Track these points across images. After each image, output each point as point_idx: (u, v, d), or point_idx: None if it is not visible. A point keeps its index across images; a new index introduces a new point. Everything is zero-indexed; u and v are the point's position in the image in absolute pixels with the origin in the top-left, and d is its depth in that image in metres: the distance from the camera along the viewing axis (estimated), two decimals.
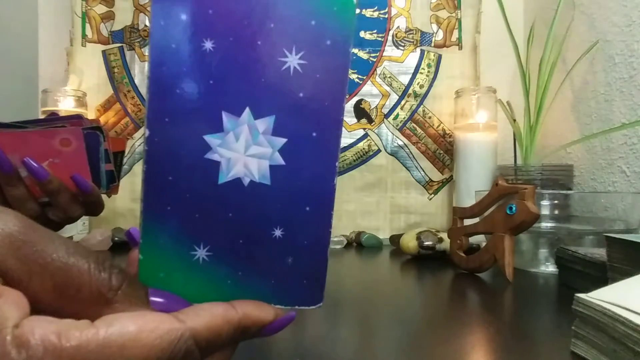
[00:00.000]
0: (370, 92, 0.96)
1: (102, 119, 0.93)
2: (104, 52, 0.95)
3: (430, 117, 0.96)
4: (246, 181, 0.22)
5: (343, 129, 1.00)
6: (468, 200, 0.78)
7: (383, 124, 0.95)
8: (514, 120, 0.84)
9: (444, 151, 0.95)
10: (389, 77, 0.96)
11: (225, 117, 0.21)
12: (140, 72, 0.95)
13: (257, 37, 0.21)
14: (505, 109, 0.85)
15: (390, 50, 0.96)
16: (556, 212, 0.67)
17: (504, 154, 0.91)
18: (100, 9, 0.95)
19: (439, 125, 0.95)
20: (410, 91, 0.96)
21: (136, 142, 0.94)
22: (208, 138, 0.21)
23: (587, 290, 0.32)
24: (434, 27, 0.97)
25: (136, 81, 0.95)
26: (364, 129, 0.95)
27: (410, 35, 0.96)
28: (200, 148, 0.21)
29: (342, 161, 0.95)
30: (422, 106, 0.96)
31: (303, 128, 0.22)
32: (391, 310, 0.48)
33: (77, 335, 0.16)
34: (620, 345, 0.28)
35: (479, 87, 0.91)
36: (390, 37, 0.96)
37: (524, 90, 0.84)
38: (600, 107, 0.80)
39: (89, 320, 0.17)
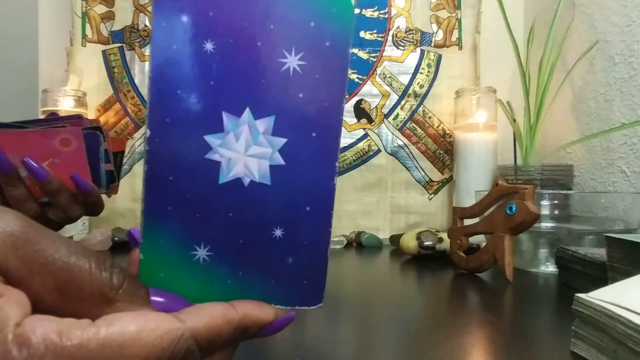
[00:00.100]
0: (370, 92, 0.96)
1: (102, 119, 0.93)
2: (104, 52, 0.95)
3: (430, 117, 0.96)
4: (246, 181, 0.22)
5: (343, 129, 1.00)
6: (468, 200, 0.78)
7: (383, 124, 0.95)
8: (514, 120, 0.84)
9: (444, 151, 0.95)
10: (389, 77, 0.96)
11: (226, 117, 0.21)
12: (140, 72, 0.95)
13: (257, 38, 0.21)
14: (505, 109, 0.85)
15: (390, 50, 0.96)
16: (556, 212, 0.67)
17: (504, 154, 0.91)
18: (100, 9, 0.95)
19: (439, 125, 0.96)
20: (410, 91, 0.96)
21: (136, 142, 0.94)
22: (208, 138, 0.21)
23: (587, 290, 0.32)
24: (434, 27, 0.97)
25: (136, 81, 0.95)
26: (364, 129, 0.95)
27: (410, 35, 0.96)
28: (201, 148, 0.21)
29: (342, 161, 0.95)
30: (422, 106, 0.96)
31: (303, 128, 0.22)
32: (391, 310, 0.48)
33: (78, 334, 0.16)
34: (620, 345, 0.28)
35: (479, 87, 0.91)
36: (390, 37, 0.96)
37: (524, 90, 0.84)
38: (600, 107, 0.80)
39: (89, 319, 0.17)
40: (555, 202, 0.67)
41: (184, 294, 0.22)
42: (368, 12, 0.96)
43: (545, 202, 0.67)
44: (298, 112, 0.22)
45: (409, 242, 0.74)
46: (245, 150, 0.22)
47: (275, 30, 0.21)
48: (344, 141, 0.94)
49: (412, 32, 0.96)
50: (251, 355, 0.33)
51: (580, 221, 0.68)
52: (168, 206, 0.21)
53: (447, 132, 0.95)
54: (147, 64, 0.95)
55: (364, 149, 0.95)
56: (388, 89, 0.96)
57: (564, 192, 0.73)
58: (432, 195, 0.95)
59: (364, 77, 0.96)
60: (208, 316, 0.19)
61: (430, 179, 0.95)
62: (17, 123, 0.51)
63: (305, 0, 0.21)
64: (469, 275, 0.62)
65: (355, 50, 0.95)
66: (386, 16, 0.96)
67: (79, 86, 0.93)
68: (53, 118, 0.60)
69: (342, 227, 0.92)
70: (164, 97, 0.21)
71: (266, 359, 0.33)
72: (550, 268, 0.62)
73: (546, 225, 0.67)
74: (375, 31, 0.96)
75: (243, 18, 0.21)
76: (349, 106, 0.95)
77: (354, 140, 0.95)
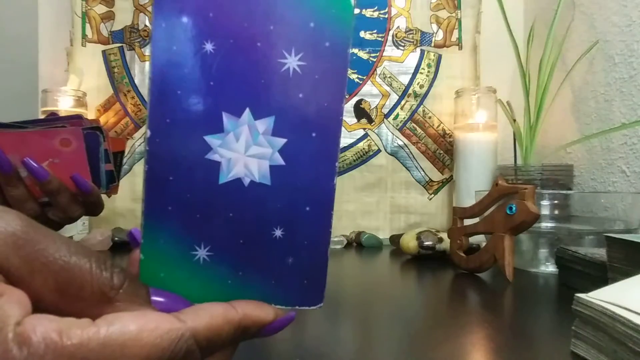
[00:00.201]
0: (370, 92, 0.96)
1: (102, 119, 0.93)
2: (104, 52, 0.95)
3: (430, 117, 0.96)
4: (246, 181, 0.22)
5: (343, 129, 1.00)
6: (468, 200, 0.78)
7: (383, 124, 0.95)
8: (514, 120, 0.84)
9: (444, 151, 0.95)
10: (389, 77, 0.96)
11: (226, 117, 0.21)
12: (140, 72, 0.95)
13: (257, 39, 0.21)
14: (505, 109, 0.85)
15: (390, 50, 0.96)
16: (556, 212, 0.67)
17: (504, 154, 0.91)
18: (100, 9, 0.95)
19: (439, 125, 0.96)
20: (410, 91, 0.96)
21: (136, 142, 0.94)
22: (208, 138, 0.21)
23: (587, 290, 0.32)
24: (434, 27, 0.97)
25: (136, 81, 0.95)
26: (364, 129, 0.95)
27: (410, 35, 0.96)
28: (201, 148, 0.21)
29: (342, 161, 0.95)
30: (422, 106, 0.96)
31: (303, 128, 0.22)
32: (391, 310, 0.48)
33: (78, 334, 0.16)
34: (620, 345, 0.28)
35: (479, 87, 0.91)
36: (390, 37, 0.96)
37: (524, 90, 0.84)
38: (600, 107, 0.80)
39: (90, 319, 0.17)
40: (555, 202, 0.67)
41: (184, 294, 0.22)
42: (368, 12, 0.96)
43: (545, 202, 0.67)
44: (298, 112, 0.22)
45: (409, 242, 0.74)
46: (245, 151, 0.22)
47: (275, 30, 0.21)
48: (344, 141, 0.94)
49: (412, 32, 0.96)
50: (251, 355, 0.33)
51: (580, 221, 0.68)
52: (168, 206, 0.21)
53: (447, 132, 0.95)
54: (147, 64, 0.95)
55: (364, 149, 0.95)
56: (388, 89, 0.96)
57: (564, 192, 0.73)
58: (432, 195, 0.95)
59: (364, 77, 0.96)
60: (208, 316, 0.19)
61: (430, 179, 0.95)
62: (17, 123, 0.51)
63: (305, 1, 0.21)
64: (469, 275, 0.62)
65: (355, 50, 0.95)
66: (386, 16, 0.96)
67: (79, 86, 0.93)
68: (53, 118, 0.60)
69: (342, 227, 0.92)
70: (164, 97, 0.21)
71: (266, 359, 0.33)
72: (550, 268, 0.62)
73: (546, 225, 0.67)
74: (375, 31, 0.96)
75: (243, 19, 0.21)
76: (349, 106, 0.95)
77: (354, 140, 0.95)
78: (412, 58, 0.96)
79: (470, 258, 0.62)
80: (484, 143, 0.88)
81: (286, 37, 0.21)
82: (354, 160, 0.95)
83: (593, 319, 0.30)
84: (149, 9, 0.95)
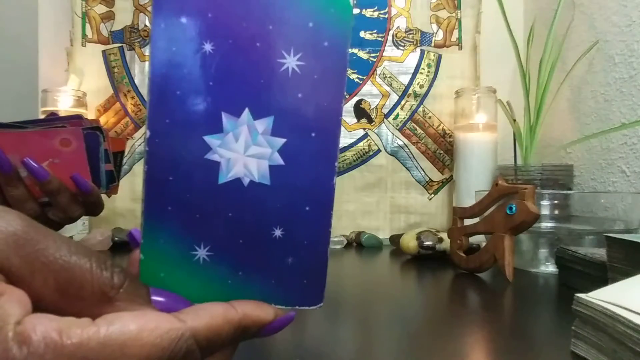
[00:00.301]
0: (370, 92, 0.96)
1: (102, 119, 0.93)
2: (104, 52, 0.95)
3: (430, 117, 0.96)
4: (246, 181, 0.22)
5: (343, 129, 1.00)
6: (468, 200, 0.78)
7: (383, 124, 0.95)
8: (514, 120, 0.84)
9: (444, 151, 0.95)
10: (389, 77, 0.96)
11: (225, 117, 0.21)
12: (140, 72, 0.95)
13: (256, 39, 0.21)
14: (505, 109, 0.85)
15: (390, 50, 0.96)
16: (556, 212, 0.67)
17: (504, 154, 0.91)
18: (100, 9, 0.95)
19: (439, 125, 0.96)
20: (410, 91, 0.96)
21: (136, 142, 0.94)
22: (208, 139, 0.21)
23: (587, 290, 0.32)
24: (434, 27, 0.97)
25: (136, 81, 0.95)
26: (364, 129, 0.95)
27: (410, 35, 0.96)
28: (201, 149, 0.21)
29: (342, 161, 0.95)
30: (422, 106, 0.96)
31: (302, 128, 0.22)
32: (391, 310, 0.48)
33: (78, 333, 0.16)
34: (620, 345, 0.28)
35: (479, 87, 0.91)
36: (390, 37, 0.96)
37: (524, 90, 0.84)
38: (600, 107, 0.80)
39: (90, 318, 0.17)
40: (555, 202, 0.67)
41: (184, 293, 0.22)
42: (368, 12, 0.96)
43: (545, 202, 0.67)
44: (297, 112, 0.22)
45: (409, 242, 0.74)
46: (245, 151, 0.22)
47: (274, 31, 0.21)
48: (344, 141, 0.94)
49: (412, 32, 0.96)
50: (251, 355, 0.33)
51: (580, 221, 0.68)
52: (168, 206, 0.21)
53: (447, 132, 0.95)
54: (147, 64, 0.95)
55: (364, 149, 0.95)
56: (388, 89, 0.96)
57: (564, 192, 0.73)
58: (432, 195, 0.95)
59: (364, 77, 0.96)
60: (208, 316, 0.19)
61: (430, 179, 0.95)
62: (17, 123, 0.51)
63: (304, 1, 0.21)
64: (469, 275, 0.62)
65: (355, 50, 0.95)
66: (386, 16, 0.96)
67: (79, 86, 0.93)
68: (53, 118, 0.60)
69: (342, 227, 0.92)
70: (164, 98, 0.21)
71: (266, 359, 0.33)
72: (550, 268, 0.62)
73: (546, 225, 0.67)
74: (375, 31, 0.96)
75: (242, 19, 0.21)
76: (349, 106, 0.95)
77: (354, 140, 0.95)
78: (412, 58, 0.96)
79: (470, 258, 0.62)
80: (484, 143, 0.87)
81: (285, 37, 0.21)
82: (354, 160, 0.95)
83: (593, 319, 0.30)
84: (149, 9, 0.95)
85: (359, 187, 0.95)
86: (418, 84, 0.96)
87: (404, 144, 0.95)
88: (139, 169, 0.92)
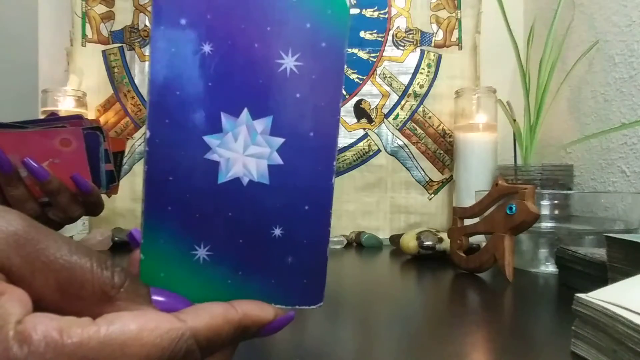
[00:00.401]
0: (370, 92, 0.96)
1: (102, 119, 0.93)
2: (104, 52, 0.95)
3: (430, 117, 0.96)
4: (245, 181, 0.22)
5: (343, 129, 1.00)
6: (468, 200, 0.78)
7: (383, 124, 0.95)
8: (514, 120, 0.84)
9: (444, 151, 0.95)
10: (389, 77, 0.96)
11: (224, 117, 0.22)
12: (140, 72, 0.95)
13: (254, 40, 0.21)
14: (505, 109, 0.85)
15: (390, 50, 0.96)
16: (556, 212, 0.67)
17: (504, 154, 0.91)
18: (100, 9, 0.95)
19: (439, 125, 0.96)
20: (410, 91, 0.96)
21: (136, 142, 0.94)
22: (207, 138, 0.21)
23: (587, 290, 0.32)
24: (434, 27, 0.97)
25: (136, 81, 0.95)
26: (364, 129, 0.95)
27: (410, 35, 0.96)
28: (200, 148, 0.21)
29: (342, 161, 0.95)
30: (422, 106, 0.96)
31: (300, 128, 0.22)
32: (391, 310, 0.48)
33: (78, 332, 0.16)
34: (620, 345, 0.28)
35: (479, 87, 0.91)
36: (390, 37, 0.96)
37: (524, 90, 0.84)
38: (600, 107, 0.80)
39: (90, 318, 0.17)
40: (555, 202, 0.67)
41: (184, 293, 0.22)
42: (368, 12, 0.96)
43: (545, 202, 0.67)
44: (295, 112, 0.22)
45: (409, 242, 0.74)
46: (244, 150, 0.22)
47: (272, 32, 0.21)
48: (344, 141, 0.94)
49: (412, 32, 0.96)
50: (251, 355, 0.33)
51: (580, 221, 0.68)
52: (168, 206, 0.22)
53: (447, 132, 0.95)
54: (147, 64, 0.95)
55: (364, 149, 0.95)
56: (388, 89, 0.96)
57: (564, 192, 0.73)
58: (432, 195, 0.95)
59: (364, 77, 0.96)
60: (208, 316, 0.19)
61: (430, 179, 0.95)
62: (17, 123, 0.51)
63: (301, 2, 0.21)
64: (469, 275, 0.62)
65: (355, 50, 0.95)
66: (386, 16, 0.96)
67: (79, 86, 0.93)
68: (53, 118, 0.60)
69: (342, 227, 0.92)
70: (164, 98, 0.21)
71: (266, 359, 0.33)
72: (550, 268, 0.62)
73: (546, 225, 0.67)
74: (375, 31, 0.96)
75: (240, 20, 0.21)
76: (349, 106, 0.95)
77: (354, 140, 0.95)
78: (412, 58, 0.96)
79: (470, 258, 0.62)
80: (484, 143, 0.87)
81: (283, 38, 0.22)
82: (354, 160, 0.95)
83: (593, 319, 0.30)
84: (149, 9, 0.95)
85: (359, 187, 0.95)
86: (418, 84, 0.96)
87: (404, 144, 0.95)
88: (139, 169, 0.92)
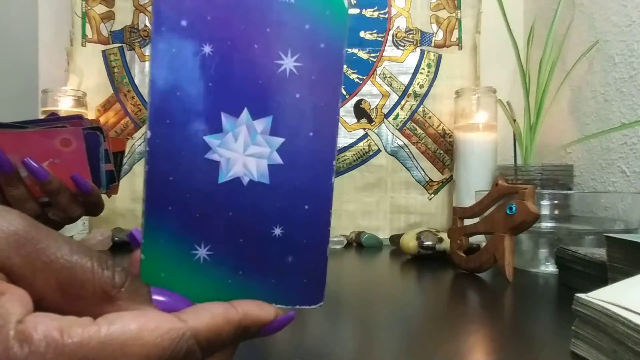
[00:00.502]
0: (370, 92, 0.96)
1: (102, 119, 0.93)
2: (104, 52, 0.95)
3: (430, 117, 0.96)
4: (245, 180, 0.22)
5: (343, 129, 0.99)
6: (468, 200, 0.78)
7: (383, 124, 0.95)
8: (514, 120, 0.84)
9: (444, 151, 0.95)
10: (389, 77, 0.96)
11: (224, 118, 0.22)
12: (140, 72, 0.95)
13: (254, 41, 0.22)
14: (505, 109, 0.85)
15: (390, 50, 0.96)
16: (556, 212, 0.67)
17: (504, 154, 0.91)
18: (100, 9, 0.95)
19: (439, 125, 0.96)
20: (410, 91, 0.96)
21: (136, 142, 0.94)
22: (208, 138, 0.22)
23: (587, 290, 0.32)
24: (434, 27, 0.97)
25: (136, 81, 0.95)
26: (364, 129, 0.95)
27: (410, 35, 0.96)
28: (200, 148, 0.22)
29: (342, 161, 0.95)
30: (422, 106, 0.96)
31: (300, 128, 0.22)
32: (391, 310, 0.48)
33: (79, 332, 0.16)
34: (620, 345, 0.28)
35: (479, 87, 0.91)
36: (390, 37, 0.96)
37: (524, 90, 0.84)
38: (600, 107, 0.80)
39: (91, 317, 0.17)
40: (555, 202, 0.67)
41: (185, 293, 0.22)
42: (368, 12, 0.96)
43: (545, 202, 0.67)
44: (295, 112, 0.22)
45: (409, 242, 0.74)
46: (244, 150, 0.22)
47: (271, 32, 0.22)
48: (344, 141, 0.94)
49: (412, 32, 0.96)
50: (251, 355, 0.33)
51: (580, 221, 0.68)
52: (168, 206, 0.22)
53: (447, 132, 0.95)
54: (147, 64, 0.95)
55: (364, 149, 0.95)
56: (388, 89, 0.96)
57: (564, 192, 0.73)
58: (432, 195, 0.95)
59: (364, 77, 0.96)
60: (209, 316, 0.19)
61: (430, 179, 0.95)
62: (17, 123, 0.51)
63: (300, 3, 0.22)
64: (469, 275, 0.62)
65: (355, 50, 0.95)
66: (386, 16, 0.96)
67: (79, 86, 0.93)
68: (53, 118, 0.60)
69: (342, 227, 0.91)
70: (164, 99, 0.21)
71: (266, 359, 0.33)
72: (550, 268, 0.62)
73: (546, 225, 0.67)
74: (375, 31, 0.96)
75: (240, 21, 0.22)
76: (349, 106, 0.95)
77: (354, 140, 0.95)
78: (412, 58, 0.96)
79: (470, 258, 0.62)
80: (484, 143, 0.87)
81: (282, 38, 0.22)
82: (354, 160, 0.95)
83: (593, 319, 0.30)
84: (149, 9, 0.95)
85: (359, 187, 0.95)
86: (418, 84, 0.96)
87: (404, 144, 0.95)
88: (139, 169, 0.92)
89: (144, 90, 0.94)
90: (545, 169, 0.80)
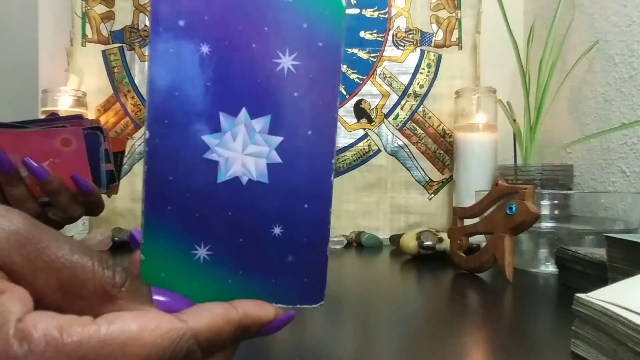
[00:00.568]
0: (370, 92, 0.96)
1: (102, 119, 0.93)
2: (104, 52, 0.95)
3: (430, 117, 0.96)
4: (244, 180, 0.22)
5: (343, 129, 0.99)
6: (468, 200, 0.78)
7: (383, 124, 0.95)
8: (514, 120, 0.84)
9: (444, 151, 0.95)
10: (389, 77, 0.96)
11: (223, 117, 0.22)
12: (140, 72, 0.95)
13: (252, 40, 0.22)
14: (505, 109, 0.85)
15: (390, 50, 0.96)
16: (556, 212, 0.67)
17: (504, 154, 0.91)
18: (100, 9, 0.95)
19: (439, 125, 0.96)
20: (410, 91, 0.96)
21: (136, 142, 0.94)
22: (206, 138, 0.22)
23: (587, 290, 0.32)
24: (434, 27, 0.97)
25: (136, 81, 0.95)
26: (364, 129, 0.95)
27: (410, 35, 0.96)
28: (199, 148, 0.22)
29: (342, 161, 0.95)
30: (422, 106, 0.96)
31: (298, 126, 0.22)
32: (391, 310, 0.48)
33: (78, 331, 0.16)
34: (620, 345, 0.28)
35: (479, 87, 0.91)
36: (390, 37, 0.96)
37: (524, 90, 0.84)
38: (600, 107, 0.80)
39: (91, 317, 0.17)
40: (555, 202, 0.67)
41: (185, 293, 0.22)
42: (368, 12, 0.96)
43: (545, 202, 0.67)
44: (293, 111, 0.22)
45: (409, 242, 0.74)
46: (243, 149, 0.22)
47: (269, 32, 0.22)
48: (344, 141, 0.95)
49: (412, 32, 0.96)
50: (251, 355, 0.33)
51: (580, 221, 0.68)
52: (168, 206, 0.22)
53: (447, 132, 0.95)
54: (147, 64, 0.95)
55: (364, 149, 0.95)
56: (388, 89, 0.96)
57: (564, 192, 0.73)
58: (432, 195, 0.95)
59: (364, 77, 0.96)
60: (209, 316, 0.19)
61: (430, 179, 0.95)
62: (17, 123, 0.51)
63: (298, 2, 0.22)
64: (469, 275, 0.62)
65: (355, 50, 0.95)
66: (386, 16, 0.96)
67: (79, 86, 0.93)
68: (53, 118, 0.60)
69: (342, 227, 0.91)
70: (163, 99, 0.21)
71: (266, 359, 0.33)
72: (550, 268, 0.62)
73: (546, 225, 0.67)
74: (375, 31, 0.96)
75: (238, 21, 0.22)
76: (349, 106, 0.95)
77: (354, 140, 0.95)
78: (412, 58, 0.96)
79: (470, 258, 0.62)
80: (484, 143, 0.87)
81: (280, 38, 0.22)
82: (354, 160, 0.95)
83: (593, 319, 0.30)
84: (149, 9, 0.95)
85: (359, 187, 0.95)
86: (418, 84, 0.96)
87: (404, 144, 0.95)
88: (139, 169, 0.92)
89: (144, 90, 0.93)
90: (545, 169, 0.80)
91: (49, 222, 0.51)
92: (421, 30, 0.96)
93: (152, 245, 0.22)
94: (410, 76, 0.96)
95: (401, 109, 0.96)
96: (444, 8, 0.97)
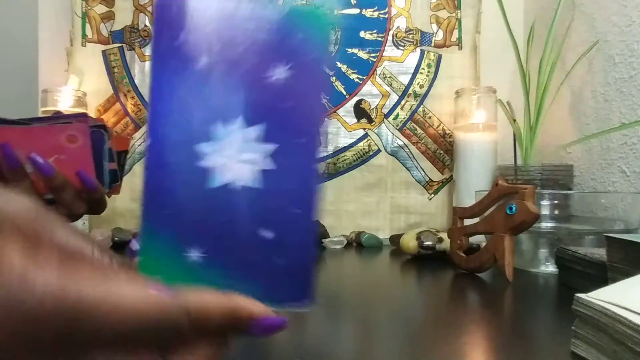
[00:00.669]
0: (370, 92, 0.96)
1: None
2: (104, 52, 0.95)
3: (430, 117, 0.96)
4: (239, 185, 0.23)
5: (343, 129, 1.00)
6: (468, 200, 0.78)
7: (383, 124, 0.95)
8: (514, 120, 0.84)
9: (444, 151, 0.95)
10: (389, 77, 0.96)
11: (219, 125, 0.23)
12: (140, 72, 0.95)
13: (248, 52, 0.23)
14: (505, 109, 0.85)
15: (390, 50, 0.96)
16: (556, 212, 0.67)
17: (504, 154, 0.91)
18: (100, 9, 0.95)
19: (439, 125, 0.96)
20: (410, 91, 0.96)
21: (136, 142, 0.94)
22: (203, 145, 0.23)
23: (587, 290, 0.32)
24: (434, 27, 0.97)
25: (136, 81, 0.95)
26: (364, 129, 0.95)
27: (410, 35, 0.96)
28: (196, 155, 0.23)
29: (342, 161, 0.95)
30: (422, 106, 0.96)
31: (292, 134, 0.23)
32: (391, 310, 0.48)
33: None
34: (620, 345, 0.28)
35: (479, 87, 0.91)
36: (390, 37, 0.96)
37: (524, 90, 0.84)
38: (599, 107, 0.80)
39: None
40: (555, 202, 0.67)
41: None
42: (368, 12, 0.96)
43: (545, 202, 0.67)
44: (287, 119, 0.23)
45: (409, 242, 0.74)
46: (238, 157, 0.23)
47: (265, 44, 0.23)
48: (344, 141, 0.95)
49: (412, 32, 0.96)
50: (251, 355, 0.33)
51: (580, 221, 0.68)
52: (164, 210, 0.23)
53: (447, 132, 0.95)
54: (147, 64, 0.95)
55: (364, 149, 0.95)
56: (388, 89, 0.96)
57: (564, 192, 0.73)
58: (432, 195, 0.95)
59: (364, 77, 0.96)
60: (199, 296, 0.20)
61: (430, 179, 0.95)
62: (22, 120, 0.51)
63: (292, 16, 0.23)
64: (469, 275, 0.62)
65: (355, 50, 0.95)
66: (386, 16, 0.96)
67: (79, 86, 0.93)
68: (58, 116, 0.60)
69: (342, 227, 0.91)
70: (163, 107, 0.23)
71: (266, 359, 0.33)
72: (550, 268, 0.62)
73: (546, 225, 0.67)
74: (375, 31, 0.96)
75: (235, 33, 0.23)
76: (349, 106, 0.95)
77: (354, 140, 0.95)
78: (412, 58, 0.96)
79: (470, 258, 0.62)
80: (484, 143, 0.87)
81: (275, 50, 0.23)
82: (354, 160, 0.95)
83: (593, 319, 0.30)
84: (149, 9, 0.95)
85: (359, 187, 0.95)
86: (418, 84, 0.96)
87: (404, 144, 0.95)
88: (139, 169, 0.92)
89: (144, 90, 0.94)
90: (545, 169, 0.80)
91: None
92: (421, 30, 0.96)
93: (149, 247, 0.22)
94: (410, 76, 0.96)
95: (401, 109, 0.96)
96: (444, 8, 0.97)
